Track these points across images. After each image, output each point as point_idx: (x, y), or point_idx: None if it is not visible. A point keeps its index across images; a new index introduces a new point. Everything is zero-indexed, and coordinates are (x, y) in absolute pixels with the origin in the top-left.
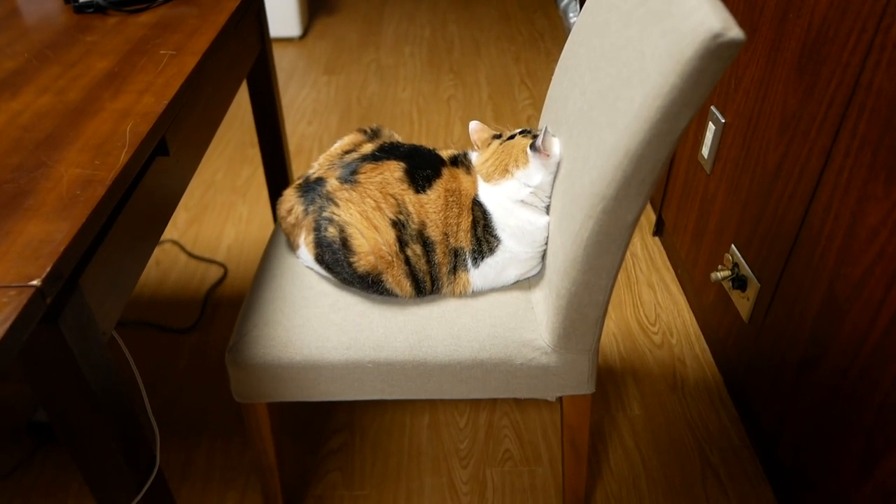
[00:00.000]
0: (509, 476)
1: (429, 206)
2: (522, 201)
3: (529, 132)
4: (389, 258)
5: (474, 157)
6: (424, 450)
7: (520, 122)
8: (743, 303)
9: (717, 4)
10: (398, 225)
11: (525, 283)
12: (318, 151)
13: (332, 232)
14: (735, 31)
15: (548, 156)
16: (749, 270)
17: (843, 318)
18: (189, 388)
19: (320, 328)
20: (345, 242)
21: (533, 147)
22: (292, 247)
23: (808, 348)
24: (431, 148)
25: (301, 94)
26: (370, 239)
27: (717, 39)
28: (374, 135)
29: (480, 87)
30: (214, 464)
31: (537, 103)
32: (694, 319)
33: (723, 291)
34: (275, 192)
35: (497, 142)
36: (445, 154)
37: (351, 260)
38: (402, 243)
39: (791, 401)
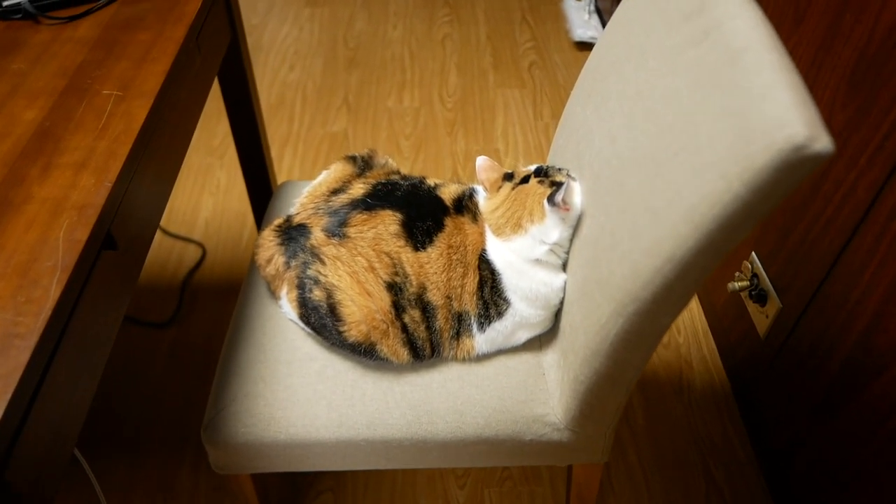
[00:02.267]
0: (508, 496)
1: (429, 267)
2: (537, 260)
3: (545, 173)
4: (384, 326)
5: (481, 197)
6: (419, 469)
7: (521, 72)
8: (760, 318)
9: (798, 93)
10: (394, 288)
11: (535, 342)
12: (301, 103)
13: (318, 295)
14: (823, 142)
15: (568, 210)
16: (770, 286)
17: (880, 374)
18: (169, 395)
19: (307, 402)
20: (333, 309)
21: (551, 201)
22: (273, 294)
23: (834, 392)
24: (432, 185)
25: (281, 33)
26: (362, 306)
27: (800, 152)
28: (365, 165)
29: (478, 25)
30: (199, 484)
31: (540, 47)
32: (703, 316)
33: (738, 296)
34: (253, 190)
35: (508, 186)
36: (448, 195)
37: (340, 329)
38: (398, 309)
39: (808, 435)
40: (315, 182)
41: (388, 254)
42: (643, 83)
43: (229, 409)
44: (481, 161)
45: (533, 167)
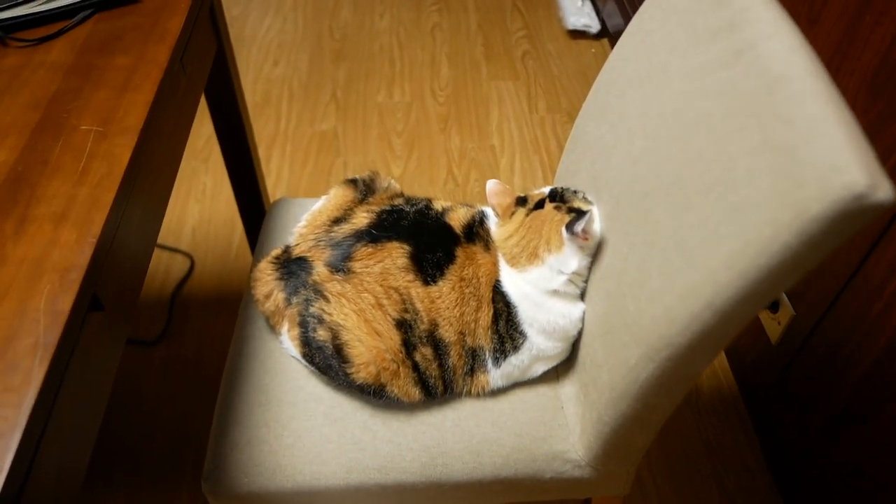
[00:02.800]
0: None
1: (441, 302)
2: (555, 291)
3: (560, 197)
4: (394, 367)
5: (492, 222)
6: None
7: (514, 63)
8: (772, 324)
9: (850, 130)
10: (404, 326)
11: (552, 373)
12: (287, 100)
13: (322, 335)
14: (885, 190)
15: (587, 239)
16: (783, 293)
17: None
18: (163, 415)
19: (314, 448)
20: (339, 350)
21: (570, 230)
22: (272, 329)
23: (853, 405)
24: (440, 210)
25: (264, 24)
26: (370, 347)
27: (860, 202)
28: (367, 189)
29: (468, 13)
30: None
31: (532, 36)
32: None
33: None
34: (243, 203)
35: (522, 212)
36: (458, 222)
37: (347, 370)
38: (409, 347)
39: (822, 446)
40: (314, 209)
41: (396, 289)
42: (667, 104)
43: (231, 458)
44: (492, 185)
45: (547, 189)
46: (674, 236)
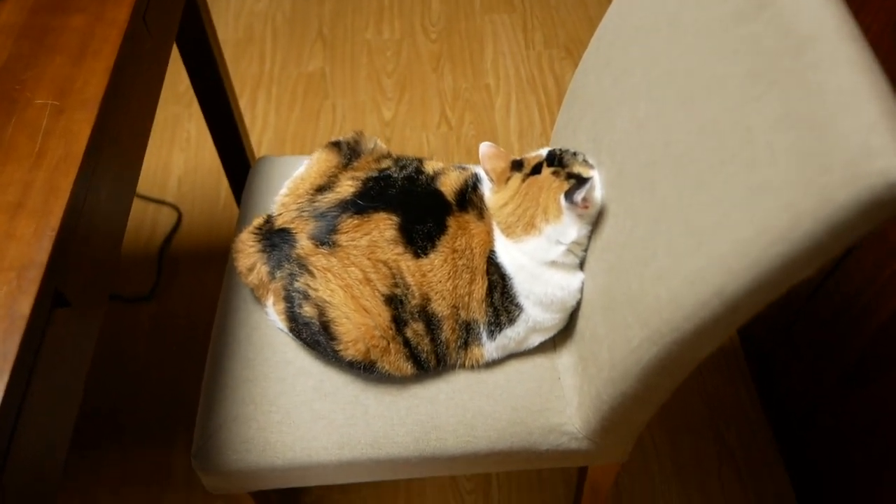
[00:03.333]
0: (515, 474)
1: (432, 275)
2: (553, 262)
3: (559, 160)
4: (384, 343)
5: (486, 187)
6: None
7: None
8: None
9: (887, 105)
10: (394, 301)
11: (549, 342)
12: (271, 38)
13: (308, 311)
14: None
15: (587, 208)
16: None
17: None
18: (155, 375)
19: (304, 424)
20: (326, 327)
21: (570, 198)
22: (258, 301)
23: (865, 360)
24: (430, 175)
25: None
26: (358, 324)
27: (894, 190)
28: (351, 153)
29: None
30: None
31: None
32: None
33: None
34: (226, 157)
35: (518, 177)
36: (449, 187)
37: (336, 347)
38: (399, 323)
39: (830, 401)
40: (296, 175)
41: (385, 263)
42: (677, 61)
43: (218, 435)
44: (485, 148)
45: (544, 152)
46: (682, 214)
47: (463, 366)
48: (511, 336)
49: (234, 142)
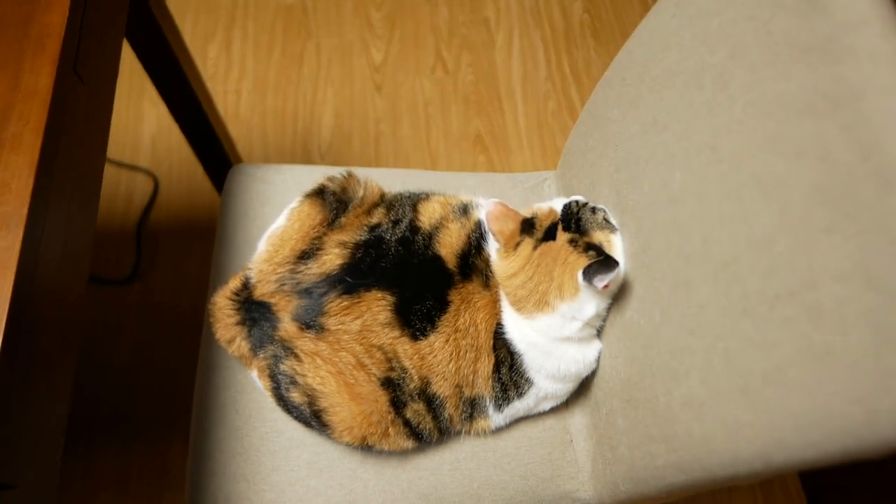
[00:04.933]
0: None
1: (432, 358)
2: (568, 337)
3: (576, 222)
4: (383, 426)
5: (493, 248)
6: None
7: None
8: None
9: None
10: (391, 385)
11: (562, 403)
12: None
13: (297, 397)
14: None
15: (608, 286)
16: None
17: None
18: (144, 364)
19: (300, 503)
20: (317, 415)
21: (588, 279)
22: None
23: None
24: (427, 233)
25: None
26: (354, 413)
27: None
28: (338, 204)
29: None
30: None
31: None
32: None
33: None
34: (204, 159)
35: (528, 243)
36: (450, 250)
37: (329, 435)
38: (398, 405)
39: None
40: (275, 230)
41: (379, 347)
42: (723, 135)
43: None
44: (492, 208)
45: (559, 205)
46: (723, 341)
47: (468, 434)
48: (520, 407)
49: (213, 147)
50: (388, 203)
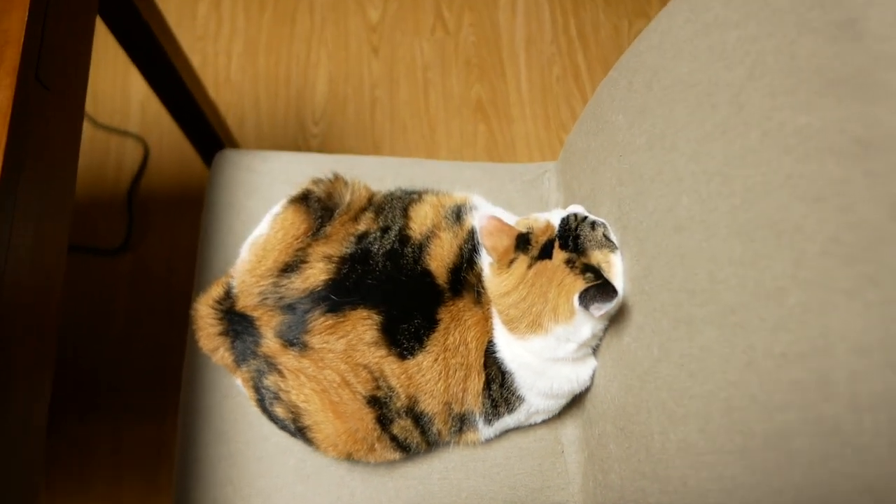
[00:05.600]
0: None
1: (420, 377)
2: (562, 359)
3: (574, 238)
4: (369, 442)
5: (486, 263)
6: None
7: None
8: None
9: None
10: (377, 402)
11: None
12: None
13: (281, 412)
14: None
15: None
16: None
17: None
18: (134, 339)
19: None
20: (302, 431)
21: (584, 304)
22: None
23: None
24: (417, 244)
25: None
26: (339, 431)
27: None
28: (323, 211)
29: None
30: None
31: None
32: None
33: None
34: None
35: (523, 261)
36: (440, 263)
37: (315, 449)
38: (384, 422)
39: None
40: (257, 237)
41: (365, 366)
42: (737, 166)
43: None
44: (486, 223)
45: (556, 219)
46: (724, 392)
47: (457, 445)
48: (510, 421)
49: (201, 128)
50: (377, 206)
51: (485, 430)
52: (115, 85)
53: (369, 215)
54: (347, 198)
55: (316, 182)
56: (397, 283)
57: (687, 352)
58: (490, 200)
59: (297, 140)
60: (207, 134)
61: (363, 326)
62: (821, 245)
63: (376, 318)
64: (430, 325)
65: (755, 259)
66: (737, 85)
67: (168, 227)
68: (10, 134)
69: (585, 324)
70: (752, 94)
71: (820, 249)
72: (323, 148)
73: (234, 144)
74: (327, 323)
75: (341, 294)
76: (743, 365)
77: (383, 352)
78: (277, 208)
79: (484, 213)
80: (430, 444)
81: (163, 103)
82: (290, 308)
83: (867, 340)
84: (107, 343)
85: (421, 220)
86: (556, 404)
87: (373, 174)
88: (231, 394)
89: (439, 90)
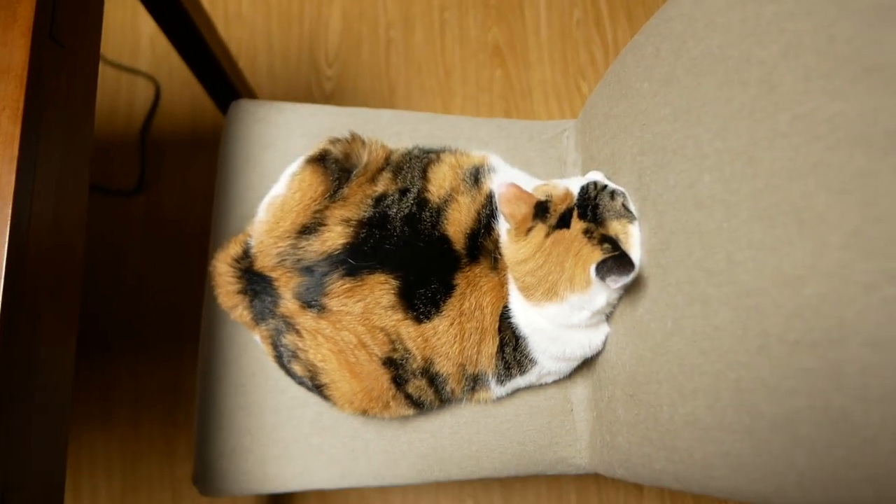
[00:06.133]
0: None
1: (436, 340)
2: (576, 325)
3: (593, 207)
4: (384, 401)
5: (503, 229)
6: None
7: None
8: None
9: None
10: (393, 364)
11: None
12: None
13: (299, 370)
14: None
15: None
16: None
17: None
18: (150, 282)
19: (303, 458)
20: (319, 388)
21: (601, 275)
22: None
23: None
24: (435, 208)
25: None
26: (355, 389)
27: None
28: (341, 172)
29: None
30: None
31: None
32: None
33: None
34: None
35: (541, 230)
36: (459, 228)
37: (331, 404)
38: (399, 382)
39: None
40: (275, 197)
41: (382, 329)
42: (762, 142)
43: (217, 465)
44: (504, 190)
45: (576, 186)
46: (734, 372)
47: (469, 402)
48: (522, 382)
49: (217, 78)
50: (395, 166)
51: (497, 390)
52: (123, 21)
53: (387, 175)
54: (365, 158)
55: (333, 142)
56: (415, 249)
57: (700, 329)
58: (507, 159)
59: (311, 83)
60: (221, 81)
61: (381, 290)
62: (842, 237)
63: (394, 282)
64: (447, 290)
65: (776, 245)
66: (769, 63)
67: (181, 168)
68: (27, 95)
69: (601, 293)
70: (786, 75)
71: (841, 242)
72: (337, 90)
73: (248, 88)
74: (345, 286)
75: (359, 258)
76: (755, 348)
77: (400, 315)
78: (295, 167)
79: (503, 181)
80: (444, 401)
81: (176, 50)
82: (308, 270)
83: (881, 335)
84: (121, 283)
85: (439, 182)
86: (568, 367)
87: (389, 129)
88: (249, 347)
89: (456, 32)
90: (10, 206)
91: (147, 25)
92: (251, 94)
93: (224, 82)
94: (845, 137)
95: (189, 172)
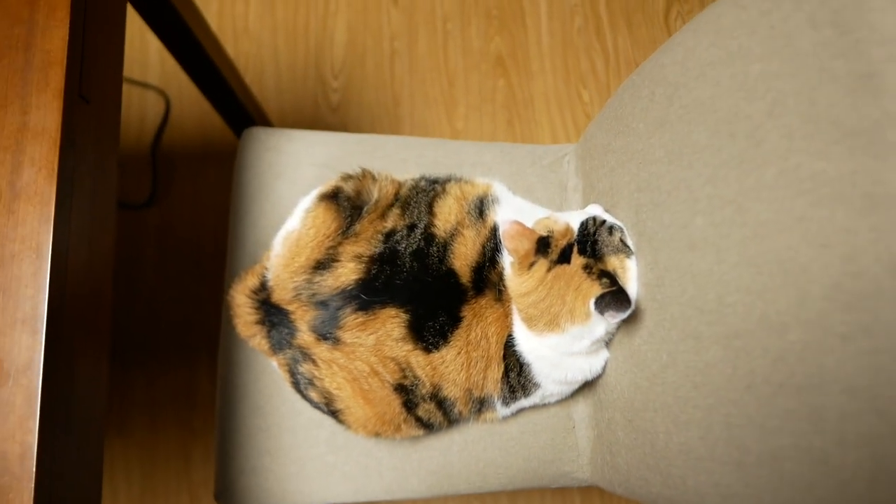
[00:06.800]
0: None
1: (444, 368)
2: (577, 353)
3: (592, 244)
4: (396, 424)
5: (507, 262)
6: None
7: None
8: None
9: None
10: (403, 390)
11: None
12: None
13: (315, 396)
14: None
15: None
16: None
17: None
18: (164, 294)
19: (319, 475)
20: (334, 414)
21: (600, 310)
22: None
23: None
24: (442, 243)
25: None
26: (368, 415)
27: None
28: (352, 210)
29: None
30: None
31: None
32: None
33: None
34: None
35: (543, 265)
36: (464, 262)
37: (346, 427)
38: (410, 406)
39: None
40: (290, 232)
41: (393, 359)
42: (750, 193)
43: (238, 483)
44: (507, 227)
45: (576, 221)
46: (724, 408)
47: (477, 422)
48: (525, 403)
49: (231, 105)
50: (404, 201)
51: (502, 411)
52: (132, 34)
53: (396, 211)
54: (375, 194)
55: (345, 178)
56: (423, 283)
57: (693, 364)
58: (510, 185)
59: (318, 95)
60: (231, 101)
61: (392, 324)
62: (823, 289)
63: (404, 316)
64: (454, 321)
65: (762, 291)
66: (756, 119)
67: (191, 181)
68: (61, 155)
69: (600, 325)
70: (771, 132)
71: (822, 293)
72: (343, 102)
73: (256, 105)
74: (358, 320)
75: (371, 293)
76: (744, 387)
77: (410, 346)
78: (308, 203)
79: (506, 216)
80: (452, 422)
81: (186, 73)
82: (322, 304)
83: (857, 384)
84: (137, 295)
85: (445, 216)
86: (570, 389)
87: (396, 156)
88: (266, 371)
89: (458, 43)
90: (49, 263)
91: (156, 40)
92: (260, 112)
93: (233, 101)
94: (827, 195)
95: (200, 185)
